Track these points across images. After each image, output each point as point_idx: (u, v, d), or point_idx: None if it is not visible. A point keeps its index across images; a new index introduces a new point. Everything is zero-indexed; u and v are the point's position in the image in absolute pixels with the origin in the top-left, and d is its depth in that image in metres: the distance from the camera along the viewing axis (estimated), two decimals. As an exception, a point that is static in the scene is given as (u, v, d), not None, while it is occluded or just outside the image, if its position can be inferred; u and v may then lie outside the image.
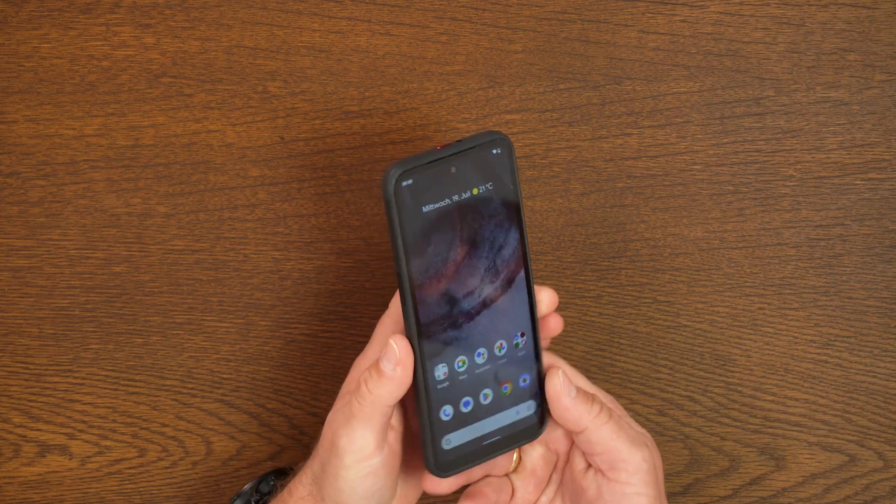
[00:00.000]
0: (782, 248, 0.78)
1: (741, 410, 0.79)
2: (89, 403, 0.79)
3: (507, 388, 0.69)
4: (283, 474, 0.76)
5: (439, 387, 0.66)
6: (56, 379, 0.79)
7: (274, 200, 0.78)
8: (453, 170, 0.64)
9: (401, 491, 0.70)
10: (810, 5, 0.76)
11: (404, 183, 0.62)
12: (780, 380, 0.79)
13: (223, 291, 0.79)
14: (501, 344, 0.68)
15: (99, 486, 0.80)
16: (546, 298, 0.69)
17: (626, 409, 0.79)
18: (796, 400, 0.79)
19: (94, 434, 0.80)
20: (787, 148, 0.77)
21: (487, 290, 0.67)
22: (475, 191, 0.65)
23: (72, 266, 0.78)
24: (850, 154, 0.77)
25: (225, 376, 0.79)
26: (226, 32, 0.76)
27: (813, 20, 0.76)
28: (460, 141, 0.65)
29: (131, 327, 0.79)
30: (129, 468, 0.80)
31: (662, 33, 0.76)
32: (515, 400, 0.69)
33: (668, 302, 0.78)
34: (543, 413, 0.70)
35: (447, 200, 0.64)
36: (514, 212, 0.67)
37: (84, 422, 0.80)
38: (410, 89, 0.77)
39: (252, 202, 0.78)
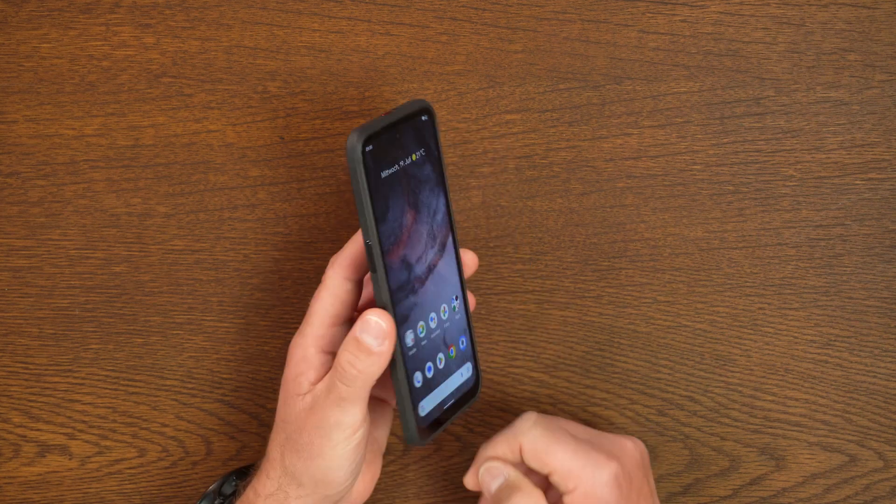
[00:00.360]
0: (782, 248, 0.78)
1: (741, 410, 0.79)
2: (89, 403, 0.79)
3: (453, 351, 0.70)
4: (245, 474, 0.76)
5: (410, 354, 0.66)
6: (56, 379, 0.79)
7: (274, 200, 0.78)
8: (398, 136, 0.65)
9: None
10: (810, 5, 0.76)
11: (367, 148, 0.63)
12: (781, 380, 0.79)
13: (223, 291, 0.79)
14: (444, 308, 0.69)
15: (99, 486, 0.80)
16: (469, 261, 0.72)
17: (626, 409, 0.79)
18: (796, 400, 0.79)
19: (94, 434, 0.80)
20: (787, 148, 0.77)
21: (430, 255, 0.68)
22: (414, 157, 0.66)
23: (72, 266, 0.78)
24: (851, 154, 0.77)
25: (225, 376, 0.79)
26: (226, 32, 0.76)
27: (813, 20, 0.76)
28: (397, 108, 0.66)
29: (131, 327, 0.79)
30: (129, 468, 0.80)
31: (662, 33, 0.76)
32: (459, 363, 0.70)
33: (669, 302, 0.78)
34: (478, 374, 0.72)
35: (397, 166, 0.65)
36: (440, 177, 0.69)
37: (84, 422, 0.80)
38: (410, 89, 0.77)
39: (252, 202, 0.78)
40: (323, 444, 0.67)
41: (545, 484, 0.74)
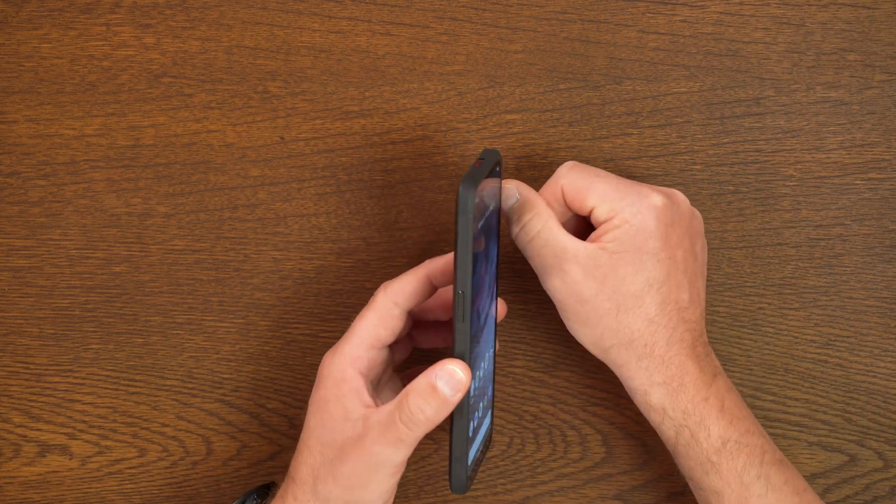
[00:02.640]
0: (782, 248, 0.78)
1: (741, 410, 0.79)
2: (89, 403, 0.80)
3: (486, 400, 0.70)
4: (266, 490, 0.76)
5: (471, 403, 0.66)
6: (56, 379, 0.79)
7: (274, 200, 0.78)
8: (486, 188, 0.65)
9: None
10: (810, 5, 0.76)
11: (476, 200, 0.62)
12: (781, 380, 0.79)
13: (223, 291, 0.79)
14: (487, 357, 0.69)
15: (99, 486, 0.80)
16: (500, 309, 0.72)
17: (626, 408, 0.79)
18: (796, 400, 0.79)
19: (94, 434, 0.80)
20: (787, 148, 0.77)
21: (487, 305, 0.68)
22: (491, 207, 0.66)
23: (72, 266, 0.78)
24: (850, 154, 0.77)
25: (225, 376, 0.79)
26: (226, 32, 0.77)
27: (813, 20, 0.76)
28: (482, 158, 0.65)
29: (131, 327, 0.79)
30: (130, 468, 0.80)
31: (662, 33, 0.76)
32: (486, 412, 0.70)
33: (669, 302, 0.78)
34: (492, 425, 0.73)
35: (484, 218, 0.65)
36: (499, 226, 0.68)
37: (84, 422, 0.80)
38: (410, 89, 0.77)
39: (252, 202, 0.78)
40: (370, 478, 0.66)
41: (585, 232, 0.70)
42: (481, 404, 0.69)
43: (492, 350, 0.70)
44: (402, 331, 0.70)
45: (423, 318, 0.73)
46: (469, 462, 0.67)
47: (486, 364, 0.69)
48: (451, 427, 0.66)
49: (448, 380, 0.64)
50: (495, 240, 0.69)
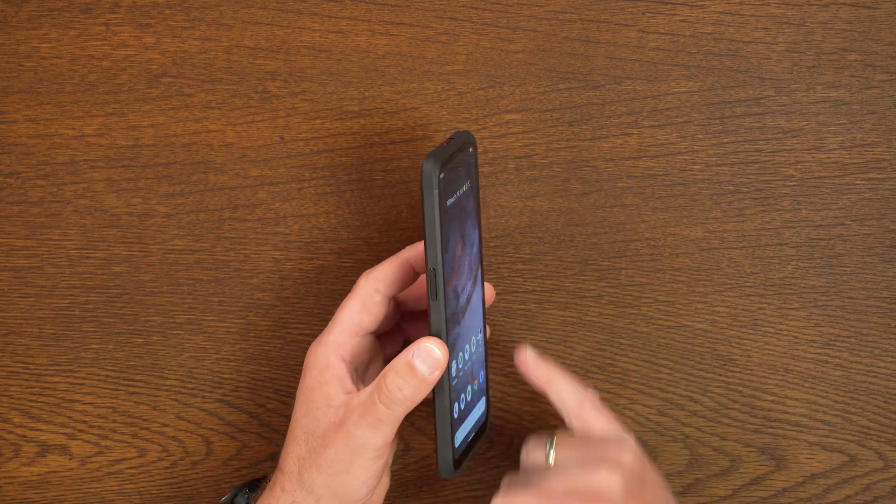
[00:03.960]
0: (782, 248, 0.78)
1: (741, 410, 0.79)
2: (89, 403, 0.80)
3: (476, 385, 0.70)
4: (257, 484, 0.76)
5: (453, 383, 0.66)
6: (56, 379, 0.79)
7: (274, 200, 0.78)
8: (457, 166, 0.65)
9: None
10: (810, 5, 0.76)
11: (441, 175, 0.62)
12: (781, 380, 0.79)
13: (223, 291, 0.79)
14: (473, 340, 0.69)
15: (99, 486, 0.80)
16: (488, 293, 0.72)
17: (626, 408, 0.79)
18: (796, 400, 0.79)
19: (94, 434, 0.80)
20: (788, 148, 0.77)
21: (469, 287, 0.68)
22: (464, 187, 0.66)
23: (72, 266, 0.78)
24: (851, 154, 0.77)
25: (225, 376, 0.79)
26: (226, 32, 0.76)
27: (813, 20, 0.76)
28: (451, 138, 0.66)
29: (131, 327, 0.79)
30: (130, 468, 0.80)
31: (663, 33, 0.76)
32: (477, 397, 0.70)
33: (669, 302, 0.78)
34: (489, 411, 0.73)
35: (455, 196, 0.65)
36: (478, 209, 0.69)
37: (84, 422, 0.80)
38: (410, 89, 0.77)
39: (252, 202, 0.78)
40: (352, 462, 0.66)
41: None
42: (469, 388, 0.69)
43: (480, 335, 0.70)
44: (386, 317, 0.70)
45: (411, 307, 0.73)
46: (455, 445, 0.67)
47: (472, 348, 0.69)
48: (434, 408, 0.66)
49: (425, 357, 0.64)
50: (474, 222, 0.69)
